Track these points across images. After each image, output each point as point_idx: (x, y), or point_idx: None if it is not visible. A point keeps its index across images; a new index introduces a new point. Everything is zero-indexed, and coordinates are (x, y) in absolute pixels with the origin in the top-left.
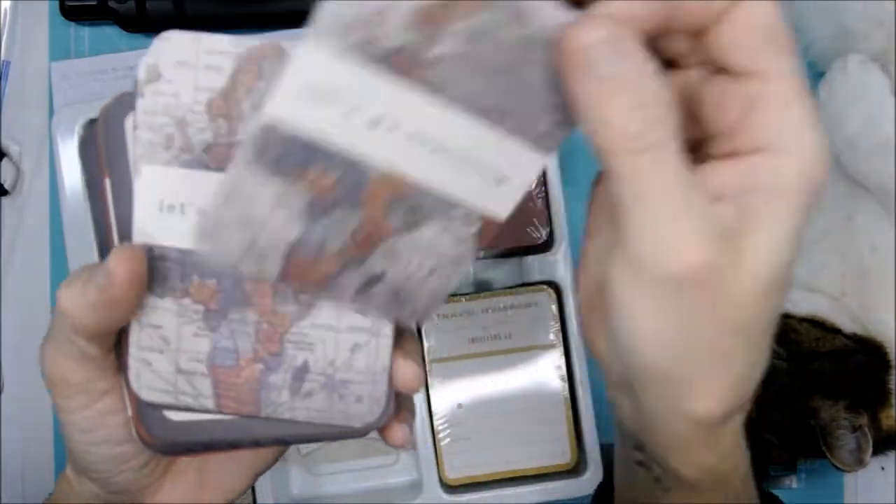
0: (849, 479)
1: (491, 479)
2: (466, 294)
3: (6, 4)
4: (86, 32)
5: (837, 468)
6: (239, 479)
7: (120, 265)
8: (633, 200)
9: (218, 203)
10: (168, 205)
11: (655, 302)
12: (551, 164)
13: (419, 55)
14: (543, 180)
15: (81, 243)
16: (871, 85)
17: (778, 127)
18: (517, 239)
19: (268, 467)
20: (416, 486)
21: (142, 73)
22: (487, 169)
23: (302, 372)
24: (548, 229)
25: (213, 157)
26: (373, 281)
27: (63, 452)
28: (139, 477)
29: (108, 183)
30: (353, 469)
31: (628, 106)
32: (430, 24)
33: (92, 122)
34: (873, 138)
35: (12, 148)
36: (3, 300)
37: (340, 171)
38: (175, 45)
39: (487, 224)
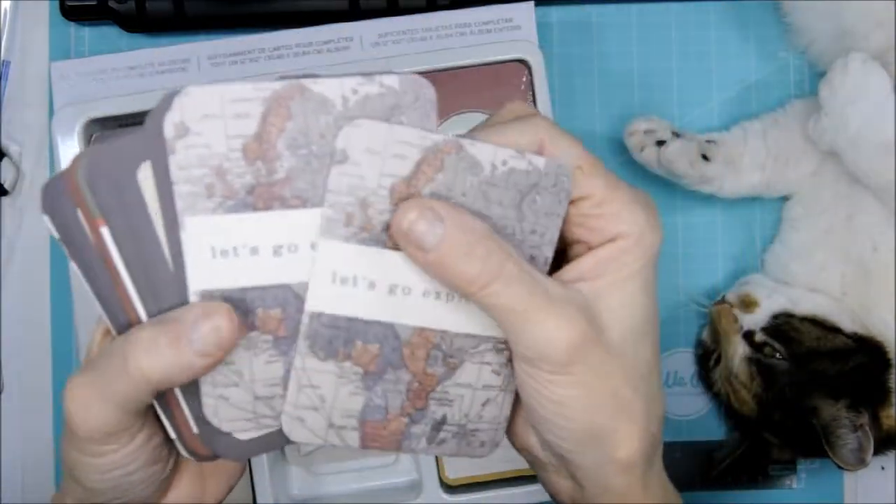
0: (849, 479)
1: (491, 479)
2: None
3: (6, 4)
4: (86, 32)
5: (840, 467)
6: (235, 465)
7: (227, 326)
8: (507, 318)
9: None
10: (221, 250)
11: (561, 382)
12: None
13: None
14: None
15: None
16: (872, 84)
17: (614, 222)
18: None
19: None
20: (416, 487)
21: (169, 131)
22: None
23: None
24: None
25: (258, 198)
26: (438, 427)
27: None
28: (152, 488)
29: (106, 231)
30: (353, 469)
31: (463, 256)
32: (404, 197)
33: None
34: (874, 138)
35: (12, 148)
36: (3, 300)
37: (379, 340)
38: (198, 100)
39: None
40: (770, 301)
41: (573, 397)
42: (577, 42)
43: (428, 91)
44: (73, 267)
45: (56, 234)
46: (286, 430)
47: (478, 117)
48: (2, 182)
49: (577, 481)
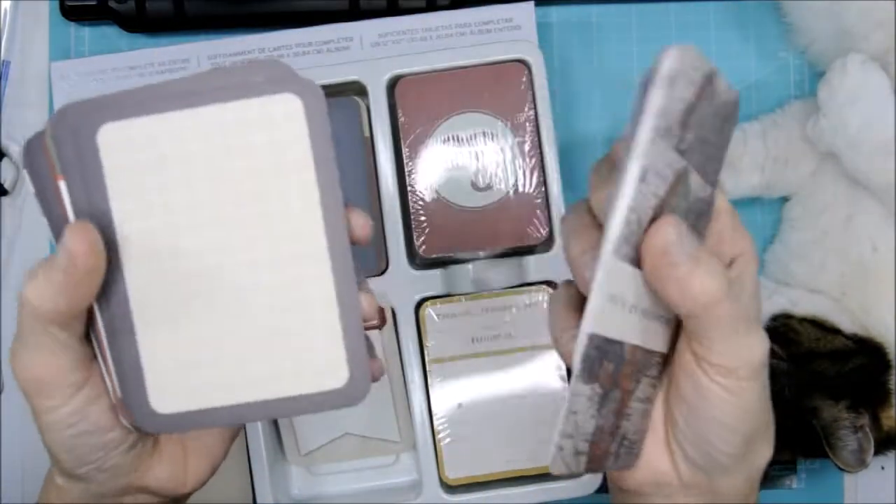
0: (849, 479)
1: (491, 479)
2: (466, 294)
3: (6, 4)
4: (86, 32)
5: (840, 469)
6: (220, 443)
7: (77, 241)
8: (722, 330)
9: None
10: (613, 296)
11: (753, 388)
12: (551, 164)
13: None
14: (543, 180)
15: None
16: (872, 84)
17: (739, 239)
18: (517, 239)
19: (238, 433)
20: (416, 486)
21: (664, 74)
22: (664, 317)
23: (623, 439)
24: (548, 229)
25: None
26: (621, 442)
27: None
28: (129, 459)
29: (63, 185)
30: (353, 469)
31: (706, 271)
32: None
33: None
34: (873, 138)
35: (12, 148)
36: (3, 300)
37: (614, 359)
38: (690, 56)
39: (660, 361)
40: (769, 302)
41: (757, 401)
42: (577, 42)
43: (737, 110)
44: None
45: (32, 189)
46: (550, 465)
47: (478, 117)
48: (2, 182)
49: (715, 494)
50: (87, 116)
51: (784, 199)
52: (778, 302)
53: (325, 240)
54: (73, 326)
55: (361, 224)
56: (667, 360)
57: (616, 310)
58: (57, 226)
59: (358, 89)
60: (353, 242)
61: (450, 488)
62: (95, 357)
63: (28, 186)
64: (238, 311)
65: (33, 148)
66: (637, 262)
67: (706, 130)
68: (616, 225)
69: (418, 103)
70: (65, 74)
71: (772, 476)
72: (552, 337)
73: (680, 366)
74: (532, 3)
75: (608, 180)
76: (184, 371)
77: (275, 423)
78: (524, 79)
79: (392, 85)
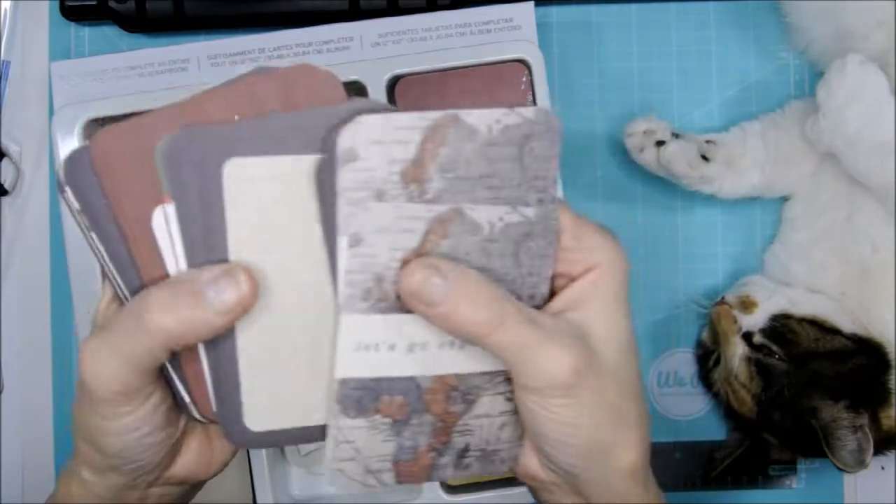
0: (849, 479)
1: (491, 479)
2: None
3: (6, 4)
4: (86, 32)
5: (839, 469)
6: None
7: (248, 284)
8: (512, 355)
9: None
10: (364, 345)
11: (568, 405)
12: None
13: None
14: None
15: (81, 244)
16: (871, 85)
17: (588, 253)
18: None
19: None
20: (416, 487)
21: (341, 153)
22: None
23: (464, 451)
24: None
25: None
26: (462, 455)
27: (63, 452)
28: (167, 449)
29: (171, 209)
30: None
31: (468, 305)
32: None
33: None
34: (872, 138)
35: (12, 148)
36: (3, 300)
37: (403, 392)
38: (369, 127)
39: None
40: (769, 302)
41: (580, 416)
42: (577, 42)
43: (555, 122)
44: (94, 238)
45: (76, 205)
46: (328, 482)
47: None
48: (2, 182)
49: (582, 495)
50: (214, 146)
51: (784, 199)
52: (778, 302)
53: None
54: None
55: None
56: None
57: (376, 355)
58: (113, 242)
59: (358, 89)
60: None
61: (450, 488)
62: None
63: (28, 185)
64: (316, 340)
65: (78, 164)
66: (401, 308)
67: (476, 168)
68: (340, 289)
69: (418, 103)
70: (65, 74)
71: (772, 476)
72: None
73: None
74: (532, 3)
75: None
76: (273, 393)
77: None
78: (524, 79)
79: (392, 85)
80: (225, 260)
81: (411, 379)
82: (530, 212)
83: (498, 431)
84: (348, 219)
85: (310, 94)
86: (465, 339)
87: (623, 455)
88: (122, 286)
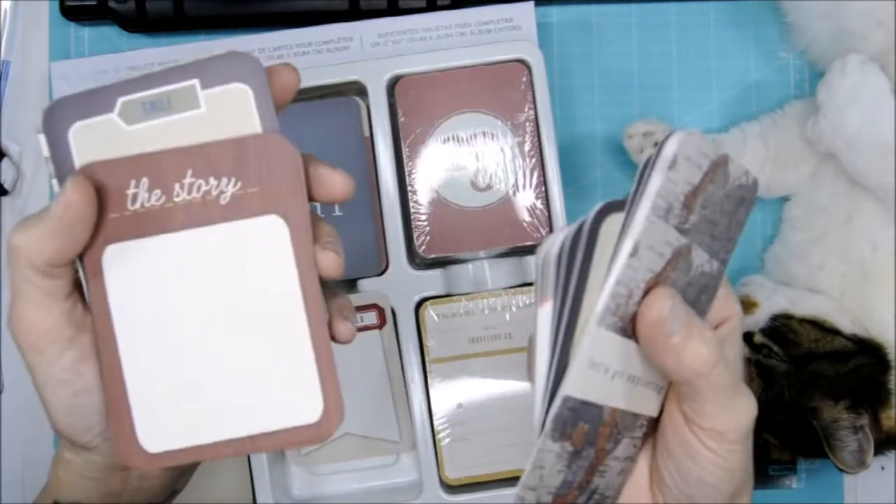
0: (849, 479)
1: (491, 479)
2: (466, 294)
3: (6, 4)
4: (86, 32)
5: (840, 469)
6: None
7: (77, 190)
8: (716, 396)
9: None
10: (595, 363)
11: (738, 451)
12: (551, 164)
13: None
14: (543, 180)
15: None
16: (871, 85)
17: (725, 305)
18: (517, 239)
19: None
20: (416, 486)
21: (665, 158)
22: (655, 383)
23: (593, 493)
24: (548, 229)
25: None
26: (590, 496)
27: None
28: None
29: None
30: (353, 469)
31: (699, 340)
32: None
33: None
34: (872, 139)
35: (12, 148)
36: (2, 300)
37: (590, 420)
38: (691, 141)
39: (650, 423)
40: (769, 302)
41: (742, 462)
42: (577, 42)
43: (755, 193)
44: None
45: (47, 152)
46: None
47: (478, 117)
48: (2, 182)
49: None
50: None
51: (784, 199)
52: (778, 302)
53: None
54: (58, 279)
55: (330, 264)
56: (658, 420)
57: (597, 376)
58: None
59: (358, 89)
60: (329, 202)
61: (450, 488)
62: (87, 330)
63: (28, 185)
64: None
65: (57, 116)
66: (626, 331)
67: (715, 212)
68: (603, 298)
69: (418, 103)
70: (65, 74)
71: (772, 476)
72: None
73: (671, 427)
74: (532, 3)
75: None
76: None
77: None
78: (524, 79)
79: (392, 85)
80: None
81: (600, 408)
82: (715, 267)
83: (617, 477)
84: (639, 225)
85: (264, 161)
86: (680, 375)
87: (745, 500)
88: None
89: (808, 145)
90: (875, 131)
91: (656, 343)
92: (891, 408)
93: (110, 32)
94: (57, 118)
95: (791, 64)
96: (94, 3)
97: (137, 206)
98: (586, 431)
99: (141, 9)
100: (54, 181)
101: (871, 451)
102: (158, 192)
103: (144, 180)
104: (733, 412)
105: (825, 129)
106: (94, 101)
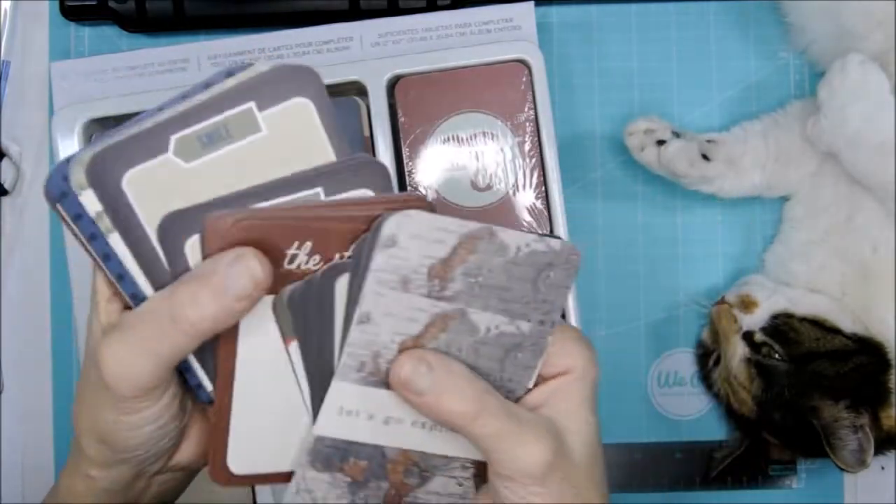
0: (849, 479)
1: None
2: None
3: (6, 4)
4: (86, 32)
5: (841, 469)
6: None
7: (265, 268)
8: (490, 443)
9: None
10: (346, 410)
11: (540, 493)
12: (551, 164)
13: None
14: (543, 180)
15: None
16: (871, 84)
17: (563, 357)
18: None
19: None
20: None
21: (382, 238)
22: None
23: None
24: (548, 229)
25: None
26: None
27: (63, 452)
28: (177, 437)
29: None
30: None
31: (453, 396)
32: (408, 348)
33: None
34: (872, 138)
35: (12, 148)
36: (3, 300)
37: (368, 458)
38: (415, 222)
39: (481, 466)
40: (770, 302)
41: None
42: (577, 42)
43: (575, 258)
44: (115, 241)
45: (100, 206)
46: None
47: (478, 117)
48: (2, 182)
49: None
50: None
51: (784, 199)
52: (778, 301)
53: None
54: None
55: None
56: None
57: (353, 421)
58: (146, 253)
59: (358, 89)
60: None
61: None
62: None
63: (28, 185)
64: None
65: (105, 167)
66: (387, 383)
67: (495, 278)
68: (342, 358)
69: (418, 103)
70: (65, 74)
71: (772, 476)
72: None
73: (489, 472)
74: (532, 3)
75: None
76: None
77: None
78: (524, 79)
79: (392, 85)
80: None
81: (379, 448)
82: (526, 327)
83: None
84: (367, 297)
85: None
86: (448, 426)
87: None
88: (136, 284)
89: (809, 145)
90: (875, 131)
91: (412, 401)
92: (891, 407)
93: (110, 32)
94: (104, 170)
95: (791, 64)
96: (94, 3)
97: (293, 266)
98: (365, 466)
99: (141, 9)
100: (113, 234)
101: (872, 451)
102: (318, 257)
103: (308, 244)
104: (517, 458)
105: (825, 128)
106: (144, 144)
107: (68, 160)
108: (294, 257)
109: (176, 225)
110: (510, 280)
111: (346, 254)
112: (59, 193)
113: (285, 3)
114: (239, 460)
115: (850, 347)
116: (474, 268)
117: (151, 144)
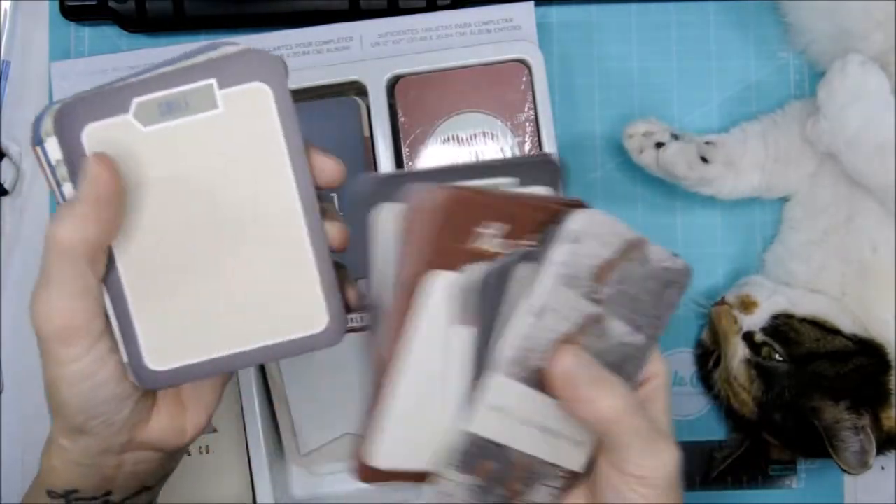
0: (849, 479)
1: None
2: None
3: (6, 4)
4: (86, 32)
5: (844, 471)
6: (213, 392)
7: (100, 168)
8: (632, 442)
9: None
10: (500, 408)
11: (660, 494)
12: None
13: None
14: None
15: None
16: (871, 85)
17: (651, 366)
18: None
19: (230, 378)
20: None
21: (568, 232)
22: (573, 439)
23: None
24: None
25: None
26: None
27: None
28: (136, 411)
29: None
30: None
31: (608, 392)
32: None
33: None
34: (872, 139)
35: (12, 148)
36: (3, 300)
37: (496, 459)
38: (598, 221)
39: (572, 477)
40: (770, 302)
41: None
42: (577, 42)
43: (688, 279)
44: (68, 191)
45: (59, 155)
46: None
47: (478, 117)
48: (2, 182)
49: None
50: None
51: (784, 200)
52: (778, 302)
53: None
54: (98, 264)
55: (330, 167)
56: (583, 475)
57: (500, 418)
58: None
59: (358, 89)
60: (322, 187)
61: None
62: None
63: (28, 185)
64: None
65: (71, 117)
66: (535, 383)
67: (634, 288)
68: (507, 350)
69: (418, 103)
70: (65, 74)
71: (772, 476)
72: None
73: (604, 478)
74: (532, 3)
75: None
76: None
77: (275, 423)
78: (524, 79)
79: (392, 85)
80: None
81: (505, 450)
82: (640, 341)
83: None
84: (544, 289)
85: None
86: (589, 423)
87: None
88: None
89: (809, 145)
90: (875, 131)
91: (567, 395)
92: (891, 408)
93: (110, 32)
94: (70, 120)
95: (791, 64)
96: (94, 3)
97: (475, 245)
98: (492, 469)
99: (141, 9)
100: (67, 184)
101: (874, 452)
102: (501, 240)
103: (500, 226)
104: (656, 458)
105: (825, 129)
106: (108, 102)
107: (51, 105)
108: (479, 236)
109: (75, 112)
110: (644, 293)
111: (529, 243)
112: (38, 138)
113: (285, 3)
114: (384, 453)
115: (851, 348)
116: (625, 276)
117: (115, 103)
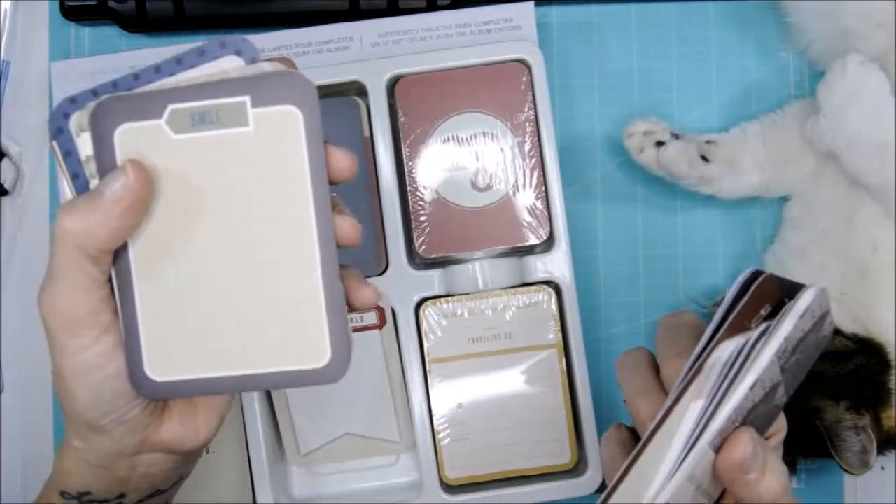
0: (849, 479)
1: (491, 479)
2: (466, 294)
3: (6, 4)
4: (86, 32)
5: (846, 471)
6: (224, 398)
7: (136, 173)
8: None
9: None
10: (690, 476)
11: None
12: (551, 164)
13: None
14: (543, 180)
15: None
16: (871, 85)
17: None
18: (517, 239)
19: None
20: (416, 486)
21: (802, 310)
22: (710, 493)
23: None
24: (548, 229)
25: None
26: None
27: None
28: (147, 411)
29: None
30: (353, 469)
31: (775, 478)
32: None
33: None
34: (872, 139)
35: (12, 148)
36: (3, 300)
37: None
38: (823, 297)
39: None
40: None
41: None
42: (577, 42)
43: (826, 342)
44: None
45: (91, 151)
46: None
47: (478, 117)
48: (2, 182)
49: None
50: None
51: (784, 199)
52: None
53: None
54: (104, 264)
55: (345, 164)
56: None
57: (689, 488)
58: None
59: (358, 89)
60: (335, 182)
61: (450, 488)
62: (117, 312)
63: (28, 185)
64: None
65: (104, 121)
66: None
67: (804, 356)
68: (719, 421)
69: (418, 103)
70: (65, 74)
71: None
72: (606, 476)
73: None
74: (532, 3)
75: (683, 352)
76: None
77: (275, 422)
78: (524, 79)
79: (392, 85)
80: None
81: None
82: (784, 400)
83: None
84: (765, 365)
85: None
86: (748, 499)
87: None
88: None
89: (809, 145)
90: (875, 131)
91: (736, 479)
92: (891, 407)
93: (110, 32)
94: (104, 117)
95: (791, 64)
96: (94, 3)
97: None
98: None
99: (141, 9)
100: (94, 180)
101: (874, 452)
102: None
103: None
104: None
105: (825, 128)
106: (144, 105)
107: (73, 99)
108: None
109: (111, 111)
110: (807, 359)
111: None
112: (57, 129)
113: (285, 3)
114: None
115: (851, 348)
116: (806, 345)
117: (150, 107)
